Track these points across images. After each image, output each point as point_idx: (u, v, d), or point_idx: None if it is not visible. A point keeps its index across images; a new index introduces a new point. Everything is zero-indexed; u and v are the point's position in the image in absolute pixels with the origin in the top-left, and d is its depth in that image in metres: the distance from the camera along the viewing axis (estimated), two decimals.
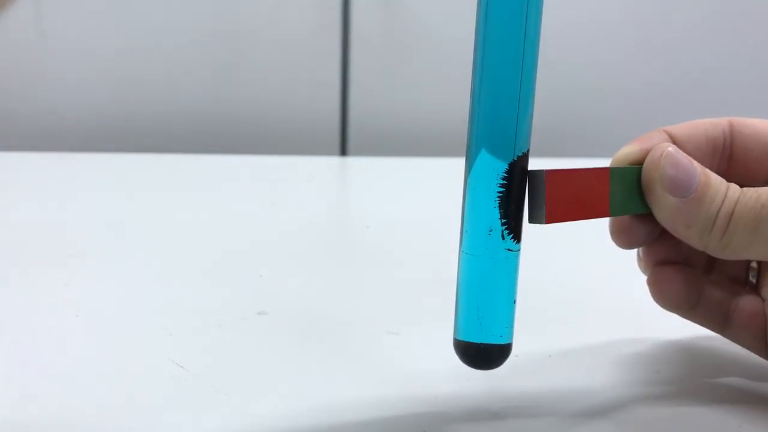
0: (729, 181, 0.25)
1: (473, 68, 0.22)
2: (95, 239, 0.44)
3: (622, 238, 0.28)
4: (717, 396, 0.27)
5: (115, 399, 0.26)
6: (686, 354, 0.31)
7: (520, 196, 0.22)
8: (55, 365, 0.28)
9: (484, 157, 0.22)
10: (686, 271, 0.28)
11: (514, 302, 0.23)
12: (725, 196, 0.24)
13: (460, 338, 0.23)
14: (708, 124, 0.28)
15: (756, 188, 0.24)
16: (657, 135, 0.27)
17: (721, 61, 0.86)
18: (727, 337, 0.29)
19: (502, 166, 0.22)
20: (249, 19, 0.79)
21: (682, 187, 0.24)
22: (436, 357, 0.30)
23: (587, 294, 0.37)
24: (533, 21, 0.22)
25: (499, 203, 0.22)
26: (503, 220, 0.22)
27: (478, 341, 0.23)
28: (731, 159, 0.28)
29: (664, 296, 0.28)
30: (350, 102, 0.82)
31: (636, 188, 0.25)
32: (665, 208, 0.25)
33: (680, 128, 0.28)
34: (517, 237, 0.23)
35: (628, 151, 0.26)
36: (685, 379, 0.29)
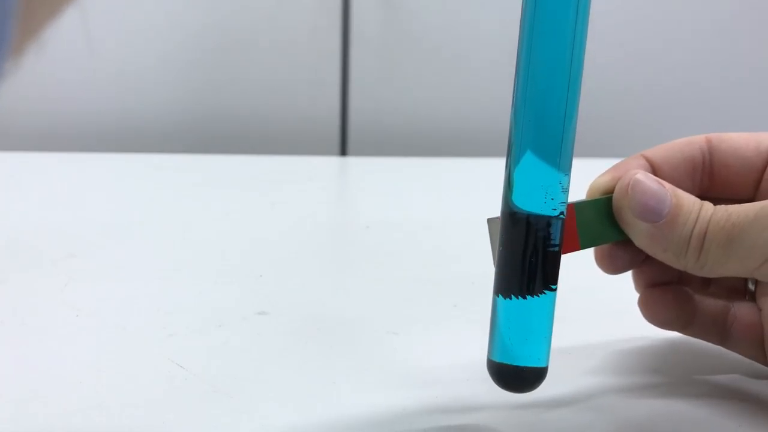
0: (713, 197, 0.26)
1: (517, 65, 0.22)
2: (95, 239, 0.44)
3: (607, 264, 0.28)
4: (716, 396, 0.27)
5: (115, 399, 0.26)
6: (685, 354, 0.31)
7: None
8: (55, 365, 0.28)
9: (529, 159, 0.22)
10: (677, 292, 0.28)
11: (552, 324, 0.23)
12: (698, 217, 0.25)
13: (495, 360, 0.23)
14: (684, 143, 0.28)
15: (727, 207, 0.25)
16: (633, 161, 0.28)
17: (722, 62, 0.86)
18: (727, 348, 0.29)
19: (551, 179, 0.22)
20: (249, 19, 0.79)
21: (653, 213, 0.25)
22: (436, 357, 0.30)
23: (586, 294, 0.37)
24: (582, 21, 0.21)
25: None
26: None
27: (514, 363, 0.22)
28: (712, 176, 0.28)
29: (654, 318, 0.29)
30: (350, 102, 0.82)
31: (609, 217, 0.26)
32: (639, 234, 0.25)
33: (656, 151, 0.28)
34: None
35: (600, 181, 0.27)
36: (683, 380, 0.29)
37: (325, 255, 0.45)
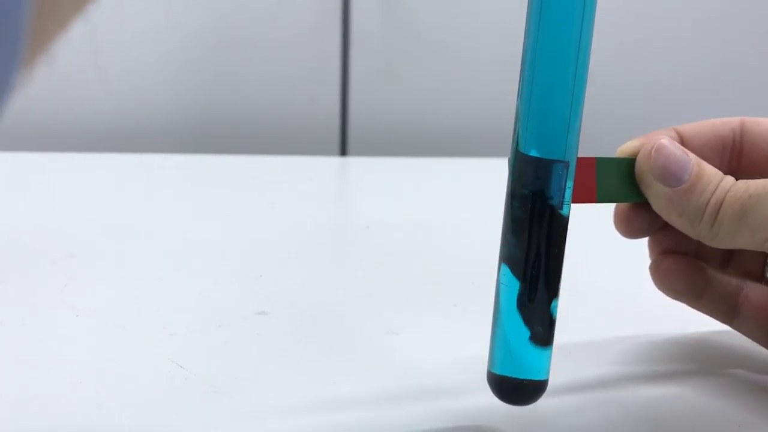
0: (739, 179, 0.26)
1: (522, 65, 0.22)
2: (95, 239, 0.44)
3: (623, 226, 0.28)
4: (716, 395, 0.27)
5: (115, 399, 0.26)
6: (685, 352, 0.31)
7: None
8: (55, 365, 0.28)
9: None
10: (688, 262, 0.29)
11: (553, 333, 0.23)
12: (717, 187, 0.25)
13: (496, 372, 0.23)
14: (718, 123, 0.29)
15: (748, 180, 0.25)
16: (664, 132, 0.28)
17: (723, 60, 0.86)
18: (733, 327, 0.29)
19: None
20: (249, 19, 0.79)
21: (673, 177, 0.25)
22: (436, 357, 0.30)
23: (586, 291, 0.37)
24: (587, 23, 0.21)
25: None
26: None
27: (514, 376, 0.22)
28: (741, 157, 0.29)
29: (663, 284, 0.29)
30: (350, 102, 0.82)
31: (630, 178, 0.26)
32: (657, 197, 0.26)
33: (689, 126, 0.29)
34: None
35: (630, 145, 0.27)
36: (683, 378, 0.29)
37: (325, 255, 0.45)
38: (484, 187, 0.61)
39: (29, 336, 0.31)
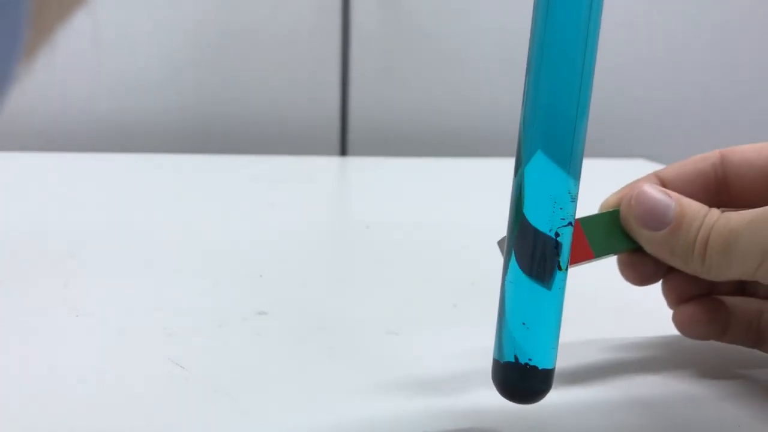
0: (731, 208, 0.26)
1: (528, 64, 0.22)
2: (95, 239, 0.44)
3: (630, 274, 0.29)
4: (716, 397, 0.27)
5: (115, 399, 0.26)
6: (685, 354, 0.31)
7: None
8: (55, 365, 0.28)
9: (540, 159, 0.21)
10: (708, 304, 0.29)
11: (560, 320, 0.23)
12: (702, 223, 0.25)
13: (500, 360, 0.23)
14: (698, 159, 0.29)
15: (729, 213, 0.25)
16: (644, 179, 0.29)
17: (723, 60, 0.86)
18: (762, 351, 0.29)
19: (562, 181, 0.21)
20: (249, 19, 0.79)
21: (657, 221, 0.26)
22: (436, 357, 0.30)
23: (586, 294, 0.37)
24: (594, 21, 0.21)
25: (558, 229, 0.21)
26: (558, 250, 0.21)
27: (521, 362, 0.22)
28: (728, 189, 0.29)
29: (688, 333, 0.29)
30: (350, 102, 0.82)
31: (620, 228, 0.27)
32: (647, 241, 0.26)
33: (669, 169, 0.29)
34: (565, 263, 0.22)
35: (611, 199, 0.28)
36: (683, 380, 0.29)
37: (325, 255, 0.45)
38: (484, 187, 0.61)
39: (29, 336, 0.31)
